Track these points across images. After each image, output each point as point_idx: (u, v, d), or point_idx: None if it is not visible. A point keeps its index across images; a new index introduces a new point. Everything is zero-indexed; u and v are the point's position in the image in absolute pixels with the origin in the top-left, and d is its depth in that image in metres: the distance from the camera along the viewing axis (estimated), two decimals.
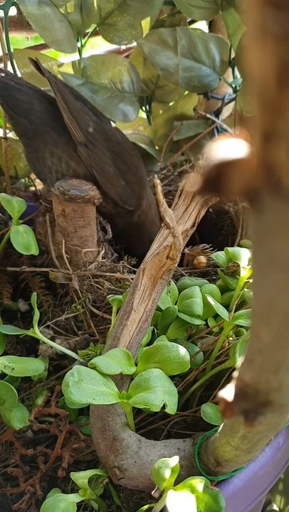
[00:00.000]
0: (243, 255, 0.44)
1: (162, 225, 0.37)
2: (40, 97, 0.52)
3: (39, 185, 0.61)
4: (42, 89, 0.54)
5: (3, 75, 0.51)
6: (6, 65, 0.57)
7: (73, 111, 0.51)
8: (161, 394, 0.32)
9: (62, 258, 0.51)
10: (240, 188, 0.13)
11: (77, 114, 0.51)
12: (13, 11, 0.58)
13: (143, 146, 0.67)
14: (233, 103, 0.69)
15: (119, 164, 0.54)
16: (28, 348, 0.51)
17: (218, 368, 0.40)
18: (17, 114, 0.51)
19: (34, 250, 0.49)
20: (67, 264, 0.50)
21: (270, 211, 0.13)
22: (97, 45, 0.77)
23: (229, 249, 0.46)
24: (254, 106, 0.12)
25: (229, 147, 0.13)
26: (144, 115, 0.72)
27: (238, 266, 0.44)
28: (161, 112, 0.72)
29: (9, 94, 0.50)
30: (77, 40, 0.59)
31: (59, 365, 0.47)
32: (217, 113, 0.68)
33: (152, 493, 0.30)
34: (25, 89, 0.51)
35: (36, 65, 0.51)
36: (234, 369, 0.38)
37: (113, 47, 0.69)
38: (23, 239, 0.49)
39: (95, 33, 0.60)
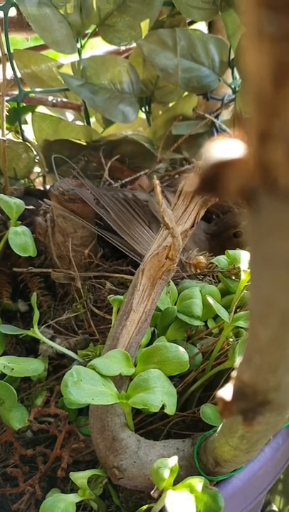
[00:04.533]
0: (244, 258, 0.44)
1: (161, 225, 0.37)
2: None
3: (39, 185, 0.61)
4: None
5: None
6: (5, 66, 0.57)
7: (120, 243, 0.49)
8: (160, 394, 0.32)
9: (62, 258, 0.51)
10: (237, 188, 0.13)
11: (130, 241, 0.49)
12: (12, 12, 0.58)
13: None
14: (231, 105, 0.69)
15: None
16: (28, 348, 0.51)
17: (217, 369, 0.40)
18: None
19: (32, 252, 0.49)
20: (71, 263, 0.50)
21: (267, 211, 0.14)
22: (96, 46, 0.77)
23: (230, 251, 0.45)
24: (251, 106, 0.12)
25: (226, 147, 0.13)
26: (143, 116, 0.72)
27: (239, 269, 0.44)
28: (160, 112, 0.72)
29: None
30: (77, 41, 0.59)
31: (59, 364, 0.47)
32: (216, 113, 0.68)
33: (151, 493, 0.30)
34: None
35: None
36: (233, 369, 0.38)
37: (113, 48, 0.69)
38: (20, 240, 0.48)
39: (94, 34, 0.60)
